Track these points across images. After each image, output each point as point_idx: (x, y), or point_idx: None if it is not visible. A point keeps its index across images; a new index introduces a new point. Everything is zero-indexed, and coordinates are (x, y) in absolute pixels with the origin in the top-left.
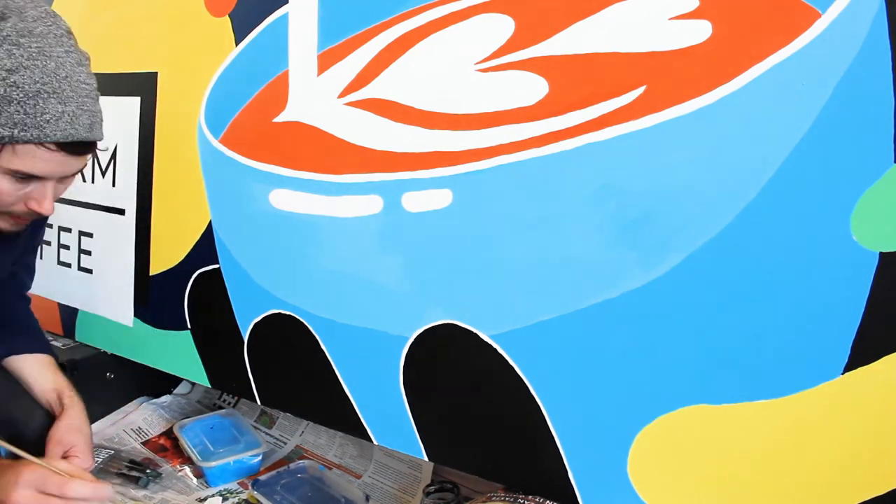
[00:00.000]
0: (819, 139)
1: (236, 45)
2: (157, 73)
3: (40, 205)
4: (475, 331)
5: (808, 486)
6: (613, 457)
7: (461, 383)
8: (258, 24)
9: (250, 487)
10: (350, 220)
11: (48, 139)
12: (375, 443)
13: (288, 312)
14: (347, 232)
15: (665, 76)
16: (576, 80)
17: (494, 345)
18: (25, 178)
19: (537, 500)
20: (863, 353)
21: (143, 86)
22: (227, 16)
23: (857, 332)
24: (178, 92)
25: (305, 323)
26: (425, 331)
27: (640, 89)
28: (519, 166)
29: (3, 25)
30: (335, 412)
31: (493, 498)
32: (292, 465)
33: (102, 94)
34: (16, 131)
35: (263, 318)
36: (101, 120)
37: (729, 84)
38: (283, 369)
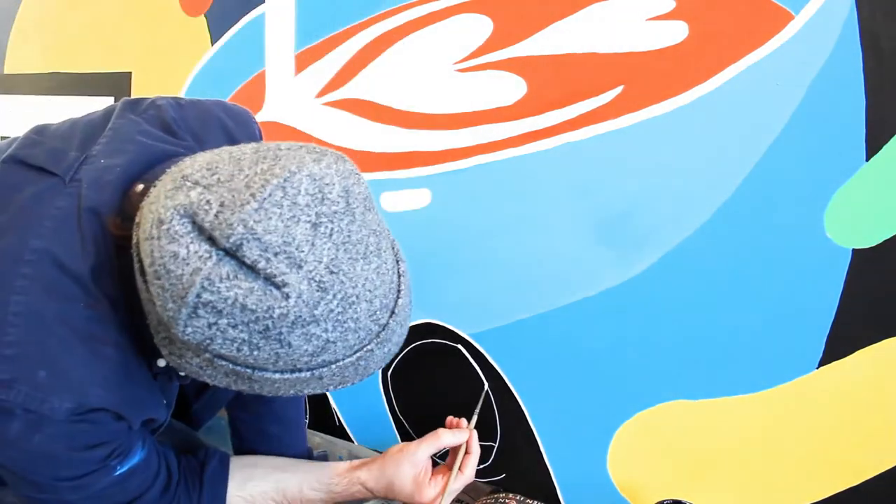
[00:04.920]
0: (793, 138)
1: (212, 44)
2: (130, 73)
3: None
4: (455, 329)
5: (783, 478)
6: (594, 453)
7: (441, 382)
8: (235, 24)
9: None
10: None
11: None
12: (355, 443)
13: None
14: None
15: (642, 76)
16: (554, 80)
17: (475, 343)
18: None
19: (518, 497)
20: (837, 348)
21: (116, 85)
22: (202, 15)
23: (830, 328)
24: (152, 92)
25: None
26: None
27: (618, 89)
28: (497, 166)
29: (295, 289)
30: (314, 413)
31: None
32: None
33: (74, 94)
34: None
35: None
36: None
37: (705, 84)
38: None
